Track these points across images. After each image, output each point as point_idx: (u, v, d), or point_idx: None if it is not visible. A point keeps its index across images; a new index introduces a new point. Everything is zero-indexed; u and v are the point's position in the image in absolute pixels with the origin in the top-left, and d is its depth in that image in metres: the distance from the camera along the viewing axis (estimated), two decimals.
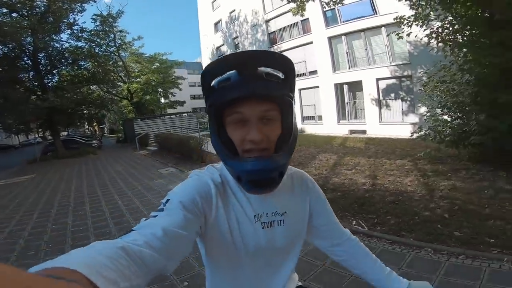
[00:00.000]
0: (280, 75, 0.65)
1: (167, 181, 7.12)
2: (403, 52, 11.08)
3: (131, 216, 4.60)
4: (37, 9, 14.75)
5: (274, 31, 16.81)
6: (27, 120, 14.92)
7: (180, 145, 10.21)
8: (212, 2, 22.28)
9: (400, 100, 11.63)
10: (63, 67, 17.77)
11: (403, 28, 6.82)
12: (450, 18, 5.93)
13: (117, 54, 21.71)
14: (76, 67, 17.86)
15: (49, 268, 0.31)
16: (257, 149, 0.62)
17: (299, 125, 15.59)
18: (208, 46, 23.79)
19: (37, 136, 24.40)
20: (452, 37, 5.98)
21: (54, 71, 17.38)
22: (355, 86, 13.04)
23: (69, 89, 16.26)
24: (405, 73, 11.14)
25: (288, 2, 9.63)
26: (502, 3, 4.51)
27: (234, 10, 19.70)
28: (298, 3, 9.03)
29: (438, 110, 6.40)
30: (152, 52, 24.83)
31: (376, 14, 11.69)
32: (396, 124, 11.37)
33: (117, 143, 23.65)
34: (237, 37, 19.96)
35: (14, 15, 14.19)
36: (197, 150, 8.95)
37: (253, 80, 0.61)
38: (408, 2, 6.70)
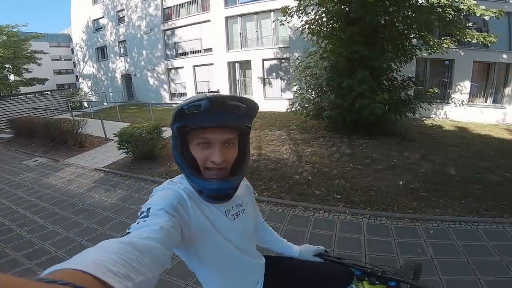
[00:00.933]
0: (244, 107, 0.73)
1: (38, 174, 5.95)
2: (285, 36, 12.52)
3: (5, 218, 3.82)
4: None
5: (170, 7, 15.50)
6: None
7: (48, 129, 8.50)
8: None
9: (279, 79, 13.31)
10: None
11: (286, 17, 7.76)
12: (320, 12, 7.10)
13: None
14: None
15: (58, 270, 0.32)
16: (217, 168, 0.73)
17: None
18: (81, 18, 19.71)
19: None
20: (319, 28, 7.23)
21: None
22: (245, 65, 13.93)
23: None
24: (285, 56, 12.70)
25: None
26: (358, 3, 5.74)
27: None
28: None
29: (304, 91, 7.89)
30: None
31: None
32: (276, 99, 13.02)
33: None
34: (122, 10, 17.38)
35: None
36: (73, 134, 7.74)
37: (222, 111, 0.69)
38: None
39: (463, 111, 10.64)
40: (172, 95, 16.60)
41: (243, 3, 13.34)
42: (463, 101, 10.72)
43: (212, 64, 14.58)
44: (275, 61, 13.21)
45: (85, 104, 17.75)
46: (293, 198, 3.73)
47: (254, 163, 5.12)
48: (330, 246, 2.66)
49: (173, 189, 0.75)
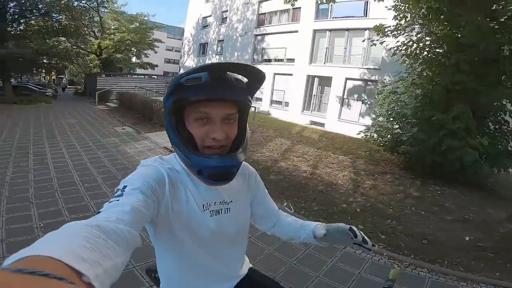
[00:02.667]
0: (245, 80, 0.69)
1: (121, 140, 7.00)
2: (377, 57, 11.63)
3: (76, 173, 4.47)
4: None
5: (265, 13, 16.56)
6: None
7: (143, 106, 9.96)
8: None
9: (360, 102, 12.38)
10: (33, 17, 16.20)
11: (381, 36, 7.15)
12: (423, 34, 6.36)
13: (96, 10, 19.90)
14: (47, 19, 16.35)
15: (28, 257, 0.30)
16: (217, 146, 0.68)
17: (267, 107, 15.88)
18: (194, 15, 22.72)
19: None
20: (419, 52, 6.38)
21: (22, 20, 15.87)
22: (325, 81, 13.53)
23: (34, 39, 15.17)
24: (373, 78, 11.76)
25: None
26: (472, 28, 4.94)
27: None
28: None
29: (381, 118, 7.06)
30: (135, 12, 23.10)
31: (366, 16, 11.98)
32: (352, 123, 12.09)
33: (74, 95, 22.17)
34: (226, 11, 19.41)
35: None
36: (159, 114, 8.83)
37: (223, 84, 0.65)
38: (394, 12, 6.99)
39: None
40: None
41: (335, 18, 13.01)
42: None
43: (291, 74, 14.68)
44: (359, 82, 12.40)
45: None
46: None
47: (303, 180, 4.87)
48: (347, 284, 2.37)
49: (157, 168, 0.71)
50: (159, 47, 25.71)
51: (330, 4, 11.09)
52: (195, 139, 0.68)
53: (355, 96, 12.58)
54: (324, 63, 13.46)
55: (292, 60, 14.77)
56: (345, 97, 12.78)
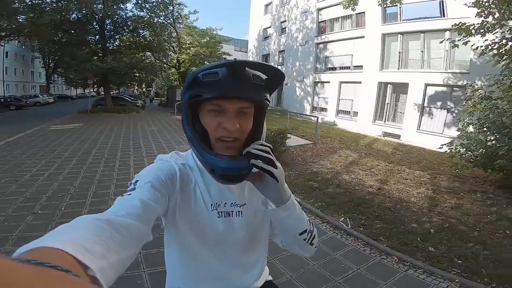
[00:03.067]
0: (264, 77, 0.66)
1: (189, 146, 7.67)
2: (464, 60, 10.01)
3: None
4: None
5: (325, 20, 16.18)
6: (86, 76, 16.96)
7: None
8: None
9: (445, 111, 10.71)
10: (124, 34, 19.72)
11: (464, 36, 6.15)
12: None
13: (173, 25, 22.75)
14: (135, 35, 19.66)
15: (36, 248, 0.31)
16: (230, 140, 0.65)
17: (333, 117, 15.23)
18: (256, 27, 23.78)
19: (92, 90, 27.12)
20: None
21: (116, 37, 19.57)
22: (400, 88, 12.25)
23: (126, 53, 18.20)
24: (460, 83, 10.10)
25: None
26: None
27: None
28: None
29: (471, 128, 5.96)
30: (204, 26, 25.40)
31: (444, 16, 10.54)
32: (434, 134, 10.52)
33: (159, 106, 25.45)
34: (285, 21, 19.77)
35: None
36: None
37: (241, 80, 0.62)
38: (476, 9, 5.99)
39: None
40: (313, 108, 16.96)
41: (406, 20, 11.73)
42: None
43: (360, 82, 13.76)
44: (443, 88, 10.80)
45: None
46: (392, 245, 2.95)
47: (367, 195, 4.43)
48: None
49: (170, 163, 0.72)
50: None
51: (397, 5, 10.13)
52: (208, 133, 0.67)
53: (438, 104, 10.97)
54: (398, 68, 12.21)
55: (360, 67, 13.86)
56: (425, 105, 11.28)
